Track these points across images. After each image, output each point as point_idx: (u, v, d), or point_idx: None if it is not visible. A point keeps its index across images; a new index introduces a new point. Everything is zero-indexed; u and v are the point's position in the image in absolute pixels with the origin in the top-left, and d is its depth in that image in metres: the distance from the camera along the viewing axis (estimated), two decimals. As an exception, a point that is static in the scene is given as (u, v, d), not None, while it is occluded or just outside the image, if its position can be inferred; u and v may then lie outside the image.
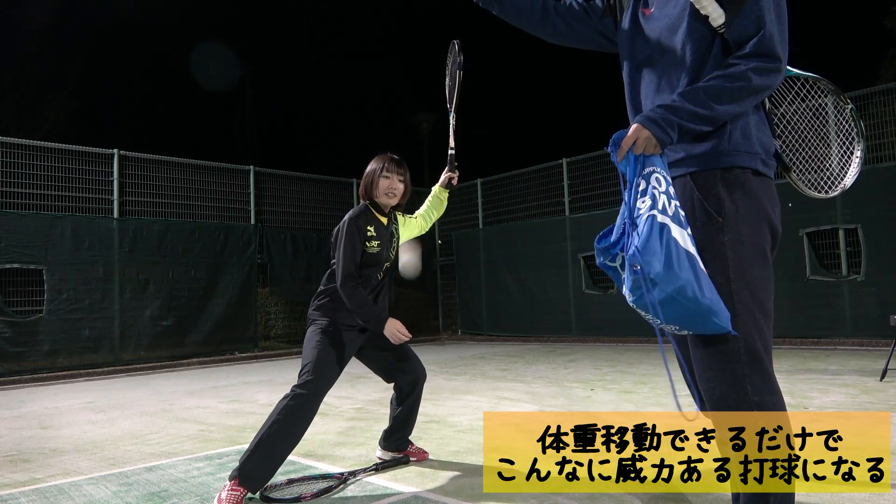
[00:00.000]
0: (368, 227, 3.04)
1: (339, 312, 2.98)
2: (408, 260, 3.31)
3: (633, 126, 1.68)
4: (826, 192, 2.06)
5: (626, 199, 1.68)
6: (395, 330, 2.94)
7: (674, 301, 1.57)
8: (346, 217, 3.04)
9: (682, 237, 1.60)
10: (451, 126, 3.30)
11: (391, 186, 3.11)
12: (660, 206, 1.61)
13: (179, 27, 23.04)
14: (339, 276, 2.93)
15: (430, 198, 3.50)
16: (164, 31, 22.93)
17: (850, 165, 2.08)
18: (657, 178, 1.65)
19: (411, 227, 3.41)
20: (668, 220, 1.60)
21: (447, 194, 3.48)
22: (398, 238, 3.27)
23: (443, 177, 3.40)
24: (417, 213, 3.49)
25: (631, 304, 1.68)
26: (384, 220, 3.16)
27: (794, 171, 2.00)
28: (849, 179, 2.06)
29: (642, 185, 1.66)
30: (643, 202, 1.63)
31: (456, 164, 3.32)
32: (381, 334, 3.00)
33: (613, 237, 1.70)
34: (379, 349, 3.12)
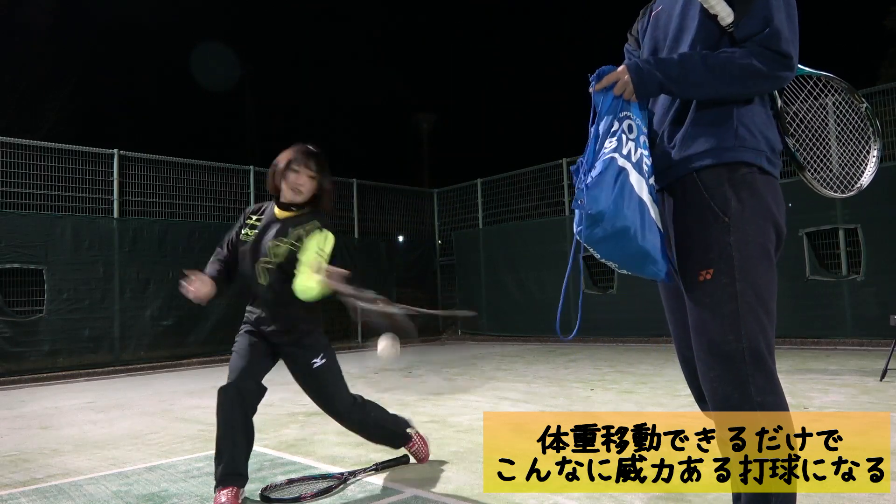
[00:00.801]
0: (253, 215, 2.91)
1: (253, 324, 2.90)
2: (384, 348, 2.63)
3: (621, 66, 1.71)
4: (843, 191, 2.05)
5: (592, 133, 1.71)
6: (184, 281, 2.70)
7: (614, 238, 1.63)
8: None
9: (640, 184, 1.65)
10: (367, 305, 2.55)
11: (297, 182, 2.82)
12: (623, 151, 1.65)
13: (179, 27, 23.04)
14: None
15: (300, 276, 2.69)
16: (165, 31, 22.95)
17: (866, 164, 2.07)
18: (629, 126, 1.69)
19: (309, 257, 2.71)
20: (628, 165, 1.64)
21: (315, 291, 2.62)
22: (296, 246, 2.78)
23: (362, 298, 2.56)
24: (314, 277, 2.63)
25: (576, 235, 1.72)
26: (284, 213, 2.87)
27: (809, 171, 1.99)
28: (866, 178, 2.05)
29: (614, 127, 1.68)
30: (609, 143, 1.67)
31: (371, 306, 2.56)
32: (295, 363, 2.87)
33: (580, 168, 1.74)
34: (298, 378, 2.94)
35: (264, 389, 2.83)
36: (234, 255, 2.94)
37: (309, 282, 2.61)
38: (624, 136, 1.67)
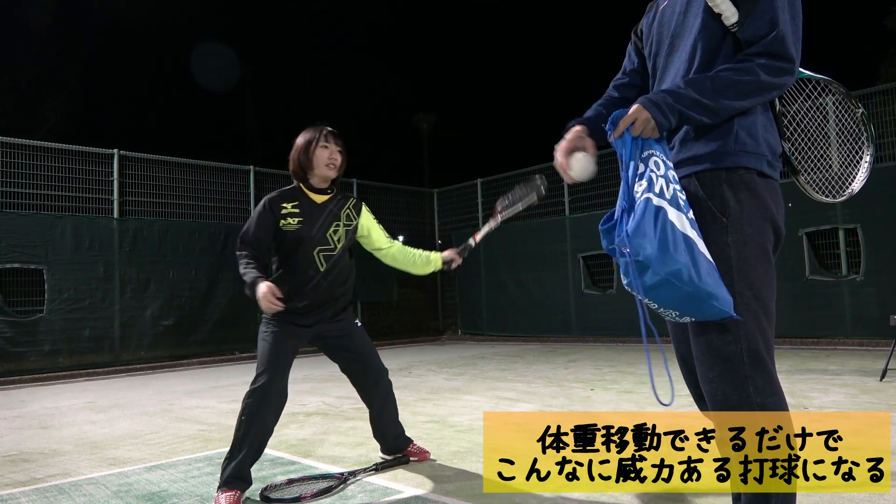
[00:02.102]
0: (285, 204, 2.87)
1: (303, 311, 2.90)
2: (577, 161, 2.55)
3: (634, 106, 1.67)
4: (833, 196, 2.05)
5: (624, 181, 1.67)
6: (262, 295, 2.67)
7: (669, 284, 1.56)
8: None
9: (680, 220, 1.59)
10: (486, 227, 3.07)
11: (331, 157, 2.90)
12: (656, 190, 1.60)
13: (179, 27, 23.03)
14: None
15: (424, 253, 3.16)
16: (165, 31, 22.93)
17: (858, 170, 2.07)
18: (656, 162, 1.64)
19: (375, 230, 3.11)
20: (664, 203, 1.58)
21: (439, 266, 3.14)
22: (351, 225, 2.97)
23: (448, 253, 3.12)
24: (399, 242, 3.17)
25: (626, 287, 1.68)
26: (319, 198, 2.94)
27: (803, 175, 1.99)
28: (857, 184, 2.05)
29: (641, 169, 1.65)
30: (640, 185, 1.62)
31: (465, 255, 3.14)
32: (337, 334, 2.97)
33: (614, 220, 1.70)
34: (336, 349, 3.05)
35: (287, 395, 2.91)
36: (265, 251, 2.90)
37: (433, 264, 3.09)
38: (653, 175, 1.62)
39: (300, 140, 2.93)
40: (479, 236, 3.07)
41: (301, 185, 2.95)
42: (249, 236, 2.87)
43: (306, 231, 2.86)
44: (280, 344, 2.84)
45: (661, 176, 1.62)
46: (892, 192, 7.60)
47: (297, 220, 2.86)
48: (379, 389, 3.15)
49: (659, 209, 1.58)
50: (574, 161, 1.84)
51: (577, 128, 1.88)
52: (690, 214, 1.63)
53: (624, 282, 1.67)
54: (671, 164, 1.67)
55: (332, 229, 2.90)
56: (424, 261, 3.14)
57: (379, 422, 3.19)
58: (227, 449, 2.76)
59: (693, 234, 1.60)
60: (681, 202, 1.62)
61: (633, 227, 1.57)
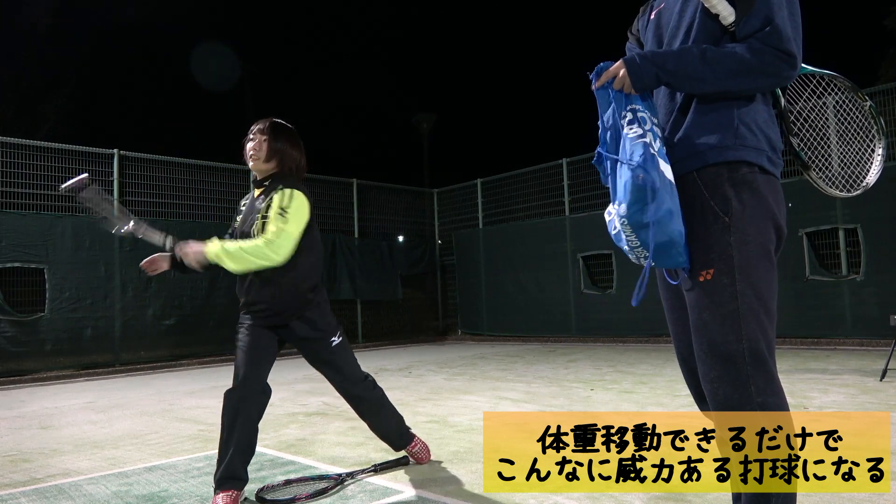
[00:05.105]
0: (242, 202, 2.96)
1: (245, 309, 2.88)
2: None
3: (618, 62, 1.72)
4: (848, 190, 2.05)
5: (601, 125, 1.73)
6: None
7: (660, 222, 1.61)
8: None
9: (667, 170, 1.65)
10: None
11: (253, 149, 2.79)
12: (647, 140, 1.65)
13: (179, 27, 23.03)
14: None
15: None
16: (164, 31, 22.93)
17: (872, 163, 2.07)
18: (641, 117, 1.69)
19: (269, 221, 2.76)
20: (654, 153, 1.64)
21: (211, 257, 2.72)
22: (267, 217, 2.71)
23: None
24: (262, 236, 2.67)
25: (619, 226, 1.69)
26: (257, 191, 2.86)
27: (814, 170, 1.99)
28: (871, 177, 2.05)
29: (629, 116, 1.70)
30: (631, 129, 1.67)
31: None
32: (301, 343, 2.89)
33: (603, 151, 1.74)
34: (313, 362, 2.99)
35: (269, 391, 2.83)
36: None
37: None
38: (643, 129, 1.68)
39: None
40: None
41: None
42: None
43: (239, 226, 2.88)
44: (245, 341, 2.81)
45: (648, 130, 1.68)
46: (891, 192, 7.60)
47: (239, 216, 2.92)
48: (363, 405, 3.06)
49: (653, 156, 1.63)
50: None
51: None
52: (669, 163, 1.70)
53: (623, 214, 1.66)
54: (657, 122, 1.73)
55: (256, 224, 2.75)
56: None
57: (367, 421, 3.14)
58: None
59: (672, 180, 1.67)
60: (665, 155, 1.68)
61: (642, 159, 1.61)
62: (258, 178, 2.88)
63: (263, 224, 2.70)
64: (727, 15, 1.67)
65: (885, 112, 8.15)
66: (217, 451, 2.73)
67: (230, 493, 2.62)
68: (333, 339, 2.92)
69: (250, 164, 2.85)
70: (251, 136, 2.84)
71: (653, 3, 1.96)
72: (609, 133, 1.72)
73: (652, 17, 1.93)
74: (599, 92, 1.75)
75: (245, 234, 2.78)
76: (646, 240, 1.64)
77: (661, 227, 1.62)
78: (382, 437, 3.18)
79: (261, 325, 2.84)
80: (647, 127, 1.68)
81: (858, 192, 2.05)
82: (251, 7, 28.36)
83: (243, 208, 2.95)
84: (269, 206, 2.72)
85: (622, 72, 1.69)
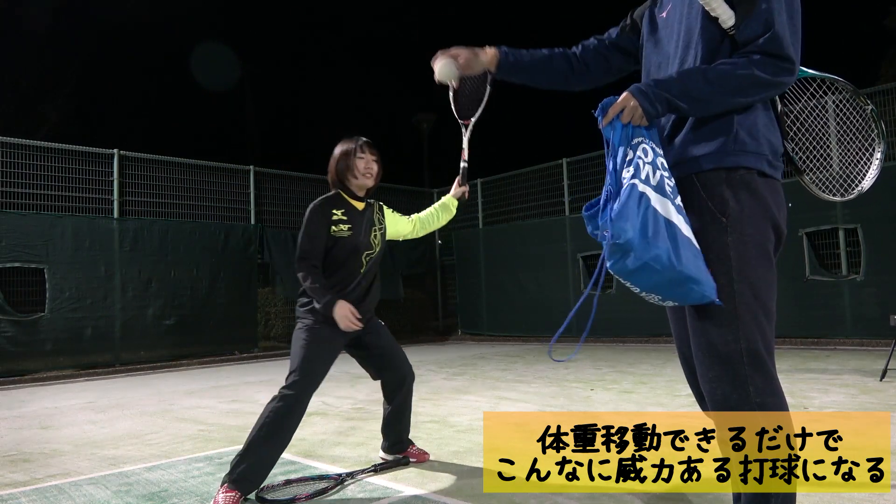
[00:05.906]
0: (334, 211, 2.99)
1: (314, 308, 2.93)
2: (439, 64, 2.33)
3: (624, 94, 1.69)
4: (842, 194, 2.04)
5: (610, 167, 1.69)
6: (342, 314, 2.79)
7: (649, 268, 1.59)
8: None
9: (664, 206, 1.61)
10: (465, 139, 3.05)
11: (367, 167, 3.06)
12: (642, 176, 1.62)
13: (179, 27, 23.01)
14: (295, 257, 2.92)
15: (438, 204, 3.44)
16: (164, 30, 22.91)
17: (869, 167, 2.06)
18: (644, 149, 1.66)
19: (400, 223, 3.34)
20: (648, 190, 1.61)
21: (457, 205, 3.44)
22: (382, 228, 3.18)
23: (455, 189, 3.34)
24: (416, 215, 3.43)
25: (610, 271, 1.69)
26: (359, 205, 3.10)
27: (808, 175, 1.98)
28: (867, 182, 2.05)
29: (629, 155, 1.67)
30: (627, 171, 1.65)
31: (466, 180, 3.28)
32: (368, 331, 3.02)
33: (600, 205, 1.71)
34: (366, 346, 3.10)
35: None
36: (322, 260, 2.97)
37: (452, 208, 3.44)
38: (640, 162, 1.64)
39: (338, 150, 3.07)
40: (465, 154, 3.12)
41: (342, 192, 3.07)
42: (313, 251, 2.92)
43: (356, 237, 2.99)
44: (323, 347, 2.87)
45: (648, 163, 1.65)
46: (891, 192, 7.60)
47: (347, 226, 2.98)
48: (403, 387, 3.19)
49: (642, 195, 1.61)
50: (436, 64, 2.17)
51: (483, 48, 2.10)
52: (678, 201, 1.65)
53: (608, 264, 1.68)
54: (660, 152, 1.69)
55: (372, 234, 3.08)
56: (444, 210, 3.44)
57: (394, 418, 3.21)
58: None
59: (679, 220, 1.62)
60: (667, 188, 1.64)
61: (616, 211, 1.60)
62: (356, 193, 3.08)
63: (381, 234, 3.14)
64: (727, 18, 1.66)
65: (886, 112, 8.15)
66: (244, 446, 2.71)
67: (235, 493, 2.60)
68: (382, 322, 3.29)
69: (365, 181, 3.06)
70: (361, 155, 3.04)
71: (655, 10, 1.96)
72: (613, 176, 1.69)
73: (654, 20, 1.93)
74: (606, 130, 1.71)
75: (366, 245, 3.04)
76: (644, 287, 1.65)
77: (651, 274, 1.60)
78: (392, 430, 3.22)
79: (343, 333, 2.88)
80: (650, 159, 1.65)
81: (853, 195, 2.04)
82: (251, 7, 28.36)
83: (340, 216, 2.98)
84: (380, 221, 3.18)
85: (632, 103, 1.66)
